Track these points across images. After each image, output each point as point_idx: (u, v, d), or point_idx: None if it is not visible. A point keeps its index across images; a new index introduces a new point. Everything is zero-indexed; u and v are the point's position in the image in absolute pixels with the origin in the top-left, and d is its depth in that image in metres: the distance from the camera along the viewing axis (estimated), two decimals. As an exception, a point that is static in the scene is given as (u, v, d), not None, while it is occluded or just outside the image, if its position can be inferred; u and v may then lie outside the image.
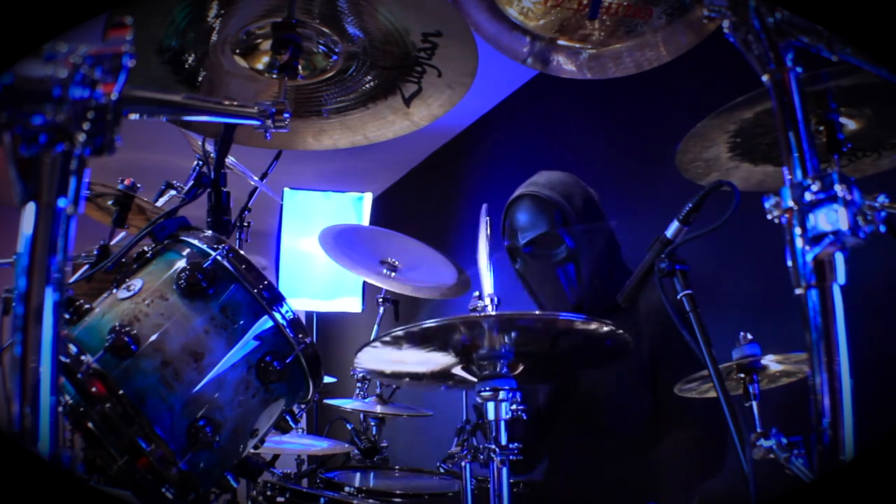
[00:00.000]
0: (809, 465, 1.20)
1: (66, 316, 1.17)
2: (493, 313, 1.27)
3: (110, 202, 2.00)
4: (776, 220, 0.74)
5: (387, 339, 1.23)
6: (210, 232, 1.29)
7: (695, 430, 1.77)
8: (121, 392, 1.08)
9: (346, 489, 1.95)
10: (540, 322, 1.32)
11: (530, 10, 1.28)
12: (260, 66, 1.34)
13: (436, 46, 1.26)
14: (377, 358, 1.39)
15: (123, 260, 1.32)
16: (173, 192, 2.25)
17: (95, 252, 1.53)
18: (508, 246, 2.01)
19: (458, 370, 1.34)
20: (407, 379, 1.55)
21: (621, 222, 2.18)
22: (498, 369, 1.28)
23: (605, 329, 1.24)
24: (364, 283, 3.89)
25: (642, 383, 1.83)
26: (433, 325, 1.16)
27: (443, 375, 1.43)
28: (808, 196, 0.71)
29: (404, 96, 1.36)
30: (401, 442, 4.50)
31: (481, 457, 1.27)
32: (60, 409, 1.10)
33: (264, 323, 1.20)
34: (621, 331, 1.25)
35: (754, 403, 1.33)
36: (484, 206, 1.62)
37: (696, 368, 1.40)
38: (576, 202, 1.93)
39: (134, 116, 0.92)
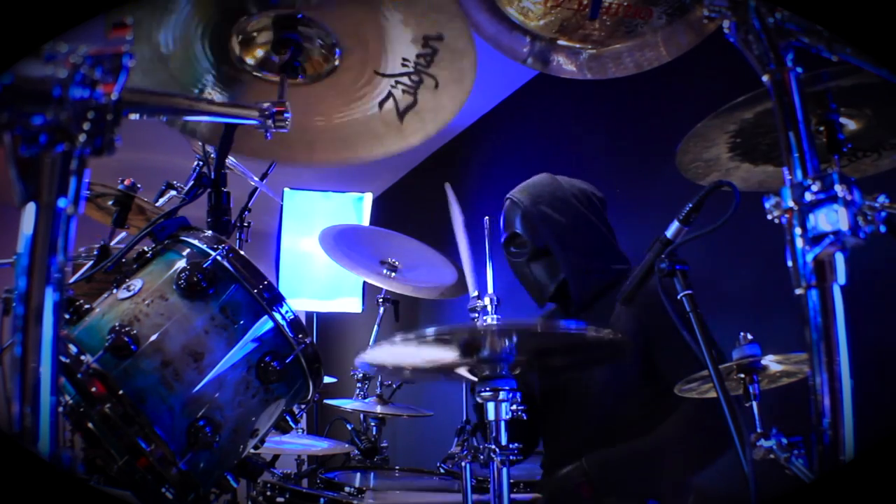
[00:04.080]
0: (809, 465, 1.20)
1: (66, 316, 1.17)
2: (495, 324, 1.28)
3: (110, 202, 2.00)
4: (776, 220, 0.74)
5: (389, 344, 1.23)
6: (210, 232, 1.29)
7: (693, 428, 1.77)
8: (121, 392, 1.08)
9: (346, 489, 1.95)
10: (544, 331, 1.32)
11: (530, 10, 1.28)
12: (250, 61, 1.31)
13: (435, 52, 1.25)
14: (379, 353, 1.39)
15: (123, 260, 1.32)
16: (173, 193, 2.25)
17: (95, 252, 1.53)
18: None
19: (461, 370, 1.34)
20: (407, 372, 1.55)
21: (621, 222, 2.18)
22: (498, 371, 1.28)
23: (606, 336, 1.24)
24: (364, 283, 3.89)
25: (641, 380, 1.83)
26: (433, 335, 1.15)
27: (443, 370, 1.43)
28: (808, 196, 0.71)
29: (399, 109, 1.35)
30: (401, 442, 4.50)
31: (481, 457, 1.27)
32: (60, 409, 1.10)
33: (264, 323, 1.20)
34: (619, 335, 1.25)
35: (754, 403, 1.33)
36: (447, 186, 1.68)
37: (697, 365, 1.40)
38: (543, 202, 2.01)
39: (134, 116, 0.92)
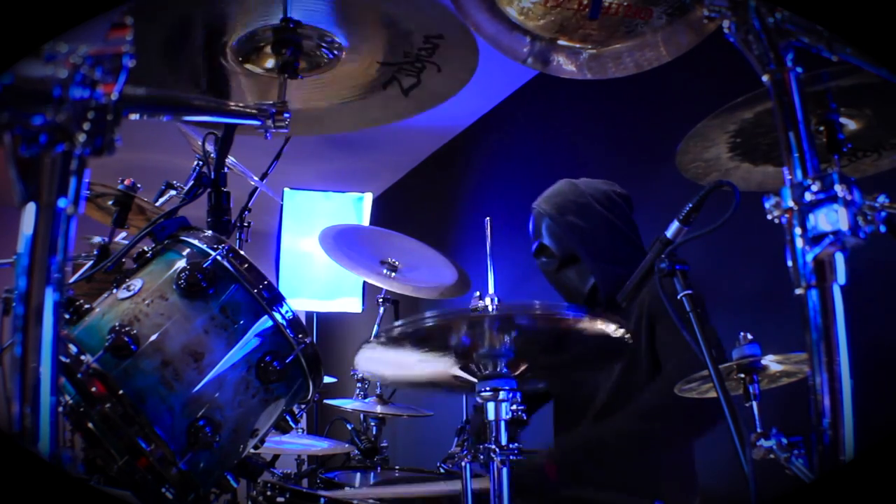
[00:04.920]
0: (809, 465, 1.20)
1: (66, 316, 1.17)
2: (491, 309, 1.26)
3: (110, 202, 2.00)
4: (776, 220, 0.74)
5: (383, 338, 1.23)
6: (210, 232, 1.29)
7: (698, 429, 1.77)
8: (121, 392, 1.08)
9: (346, 489, 1.95)
10: (539, 318, 1.31)
11: (530, 10, 1.28)
12: (269, 65, 1.32)
13: (436, 47, 1.26)
14: (377, 360, 1.39)
15: (123, 260, 1.32)
16: (173, 192, 2.25)
17: (95, 252, 1.53)
18: None
19: (457, 370, 1.34)
20: (408, 383, 1.55)
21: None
22: (498, 368, 1.27)
23: (611, 327, 1.23)
24: (364, 283, 3.89)
25: (646, 381, 1.83)
26: (431, 322, 1.15)
27: (443, 379, 1.42)
28: (808, 196, 0.71)
29: (403, 88, 1.36)
30: (401, 442, 4.50)
31: (481, 457, 1.27)
32: (60, 409, 1.10)
33: (264, 323, 1.20)
34: (623, 329, 1.24)
35: (754, 403, 1.33)
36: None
37: (702, 366, 1.39)
38: (567, 211, 2.02)
39: (134, 116, 0.92)
